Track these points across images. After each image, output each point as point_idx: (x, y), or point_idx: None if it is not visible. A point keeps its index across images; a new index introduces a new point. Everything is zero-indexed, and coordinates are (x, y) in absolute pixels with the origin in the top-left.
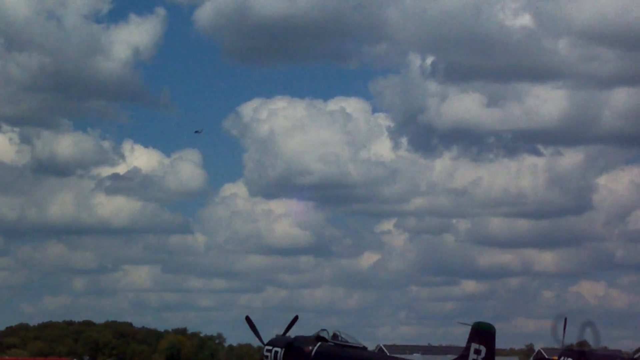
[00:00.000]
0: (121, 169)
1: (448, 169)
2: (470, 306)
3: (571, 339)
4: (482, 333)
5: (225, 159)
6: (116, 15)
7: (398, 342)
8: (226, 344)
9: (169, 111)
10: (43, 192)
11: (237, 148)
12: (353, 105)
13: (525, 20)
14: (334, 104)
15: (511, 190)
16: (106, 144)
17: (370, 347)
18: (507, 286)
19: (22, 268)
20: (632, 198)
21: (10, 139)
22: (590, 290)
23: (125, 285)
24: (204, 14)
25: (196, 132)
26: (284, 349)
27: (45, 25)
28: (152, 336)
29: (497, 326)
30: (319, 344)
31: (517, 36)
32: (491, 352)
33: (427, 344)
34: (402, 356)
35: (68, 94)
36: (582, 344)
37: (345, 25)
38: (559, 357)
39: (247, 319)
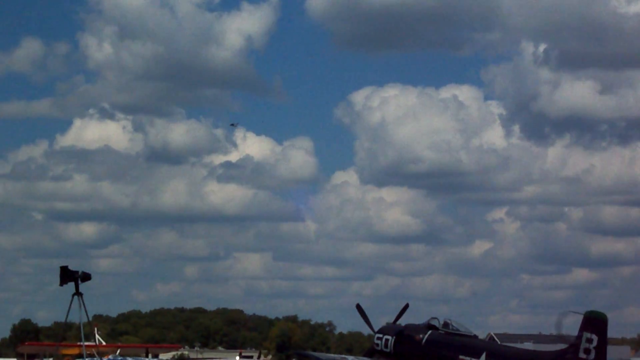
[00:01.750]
0: (233, 157)
1: (560, 157)
2: (583, 295)
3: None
4: (594, 322)
5: (336, 146)
6: (229, 4)
7: (509, 331)
8: (336, 332)
9: (281, 99)
10: (156, 180)
11: (349, 136)
12: (465, 93)
13: (639, 7)
14: (446, 92)
15: (624, 178)
16: (218, 132)
17: (481, 335)
18: (619, 275)
19: (134, 255)
20: None
21: (123, 127)
22: None
23: (236, 273)
24: (316, 2)
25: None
26: (394, 337)
27: (158, 14)
28: (262, 323)
29: (609, 315)
30: (429, 332)
31: (630, 23)
32: (603, 341)
33: (538, 333)
34: (513, 345)
35: (181, 83)
36: None
37: (457, 12)
38: None
39: (358, 306)
